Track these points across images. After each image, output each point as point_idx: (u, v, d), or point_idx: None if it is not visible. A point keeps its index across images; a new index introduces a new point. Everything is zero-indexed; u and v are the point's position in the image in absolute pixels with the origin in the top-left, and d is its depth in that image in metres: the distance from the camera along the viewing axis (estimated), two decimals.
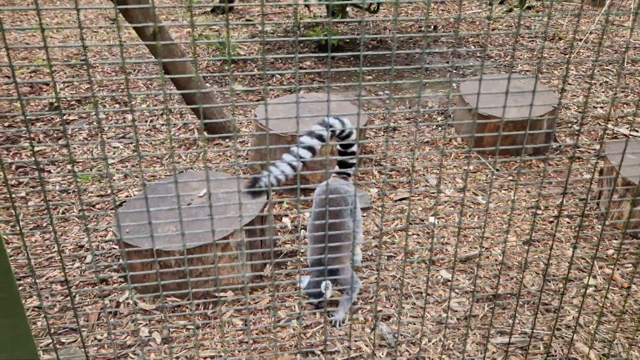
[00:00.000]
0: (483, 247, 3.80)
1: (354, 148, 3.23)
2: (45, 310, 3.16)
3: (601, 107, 5.80)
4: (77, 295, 3.29)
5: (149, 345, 2.97)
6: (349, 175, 3.37)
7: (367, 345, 2.97)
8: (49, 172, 4.58)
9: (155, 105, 5.73)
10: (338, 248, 3.05)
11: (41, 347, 2.90)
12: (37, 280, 3.35)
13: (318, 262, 3.11)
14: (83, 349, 2.86)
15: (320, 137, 2.79)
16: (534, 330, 3.09)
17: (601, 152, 4.36)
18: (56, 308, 3.19)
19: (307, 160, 3.00)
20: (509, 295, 3.36)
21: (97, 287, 3.34)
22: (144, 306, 3.19)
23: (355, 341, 2.98)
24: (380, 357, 2.90)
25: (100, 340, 3.00)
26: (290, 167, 2.64)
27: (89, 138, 5.07)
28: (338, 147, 3.26)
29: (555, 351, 2.94)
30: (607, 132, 5.29)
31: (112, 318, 3.13)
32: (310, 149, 2.78)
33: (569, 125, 5.48)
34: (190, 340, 2.98)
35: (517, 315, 3.20)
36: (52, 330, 3.03)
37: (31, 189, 4.32)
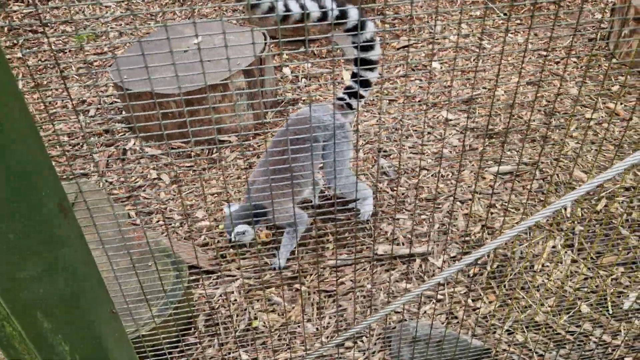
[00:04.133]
0: (485, 88, 3.76)
1: (373, 60, 2.39)
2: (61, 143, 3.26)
3: None
4: (84, 145, 3.38)
5: (158, 186, 3.09)
6: (350, 107, 2.60)
7: (368, 179, 3.07)
8: (43, 33, 4.47)
9: None
10: (283, 186, 2.30)
11: None
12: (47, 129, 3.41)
13: (251, 192, 2.51)
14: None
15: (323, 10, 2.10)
16: (531, 160, 3.15)
17: None
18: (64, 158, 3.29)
19: (312, 12, 2.09)
20: (507, 130, 3.38)
21: (103, 136, 3.41)
22: (151, 151, 3.27)
23: (358, 175, 3.07)
24: (382, 187, 3.00)
25: (111, 183, 3.12)
26: (298, 5, 2.07)
27: None
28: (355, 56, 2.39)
29: (552, 177, 3.02)
30: None
31: (120, 164, 3.24)
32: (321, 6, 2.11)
33: None
34: (197, 179, 3.10)
35: (514, 146, 3.25)
36: (63, 176, 3.15)
37: (27, 49, 4.26)
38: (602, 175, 1.44)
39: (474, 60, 4.03)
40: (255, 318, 2.38)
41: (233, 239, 2.46)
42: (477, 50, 4.11)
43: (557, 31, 4.46)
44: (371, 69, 2.44)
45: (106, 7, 4.75)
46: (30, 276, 0.97)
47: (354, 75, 2.54)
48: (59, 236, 1.00)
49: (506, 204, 2.89)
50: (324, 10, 2.06)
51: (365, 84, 2.51)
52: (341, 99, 2.61)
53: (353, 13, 2.20)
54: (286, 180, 2.06)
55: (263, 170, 2.52)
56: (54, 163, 3.26)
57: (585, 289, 2.41)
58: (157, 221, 2.83)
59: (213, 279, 2.53)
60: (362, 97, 2.63)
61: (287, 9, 2.05)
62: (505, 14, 4.55)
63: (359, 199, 2.78)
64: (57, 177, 1.04)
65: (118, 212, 2.37)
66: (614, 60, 3.93)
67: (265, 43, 3.50)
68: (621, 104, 3.55)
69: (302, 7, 2.10)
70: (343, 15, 2.17)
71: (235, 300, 2.45)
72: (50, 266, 1.00)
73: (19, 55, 4.17)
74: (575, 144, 3.24)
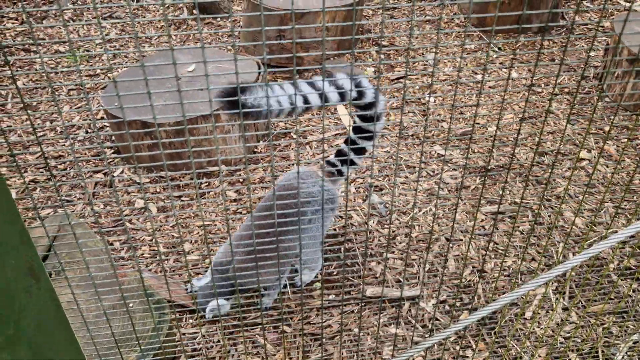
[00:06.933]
0: (478, 124, 3.75)
1: (378, 125, 2.32)
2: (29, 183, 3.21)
3: None
4: (71, 170, 3.32)
5: (144, 215, 3.03)
6: (340, 174, 2.50)
7: (358, 215, 3.03)
8: (35, 52, 4.43)
9: None
10: (265, 259, 2.17)
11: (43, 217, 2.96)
12: (29, 157, 3.36)
13: (223, 266, 2.34)
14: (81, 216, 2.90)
15: (340, 92, 2.01)
16: (524, 200, 3.13)
17: (609, 30, 4.17)
18: (50, 183, 3.22)
19: (300, 106, 1.97)
20: (501, 168, 3.36)
21: (91, 162, 3.36)
22: (138, 179, 3.21)
23: (348, 211, 3.03)
24: (371, 225, 2.96)
25: (96, 213, 3.06)
26: (289, 102, 1.93)
27: (74, 18, 4.86)
28: (356, 119, 2.32)
29: (544, 219, 3.00)
30: (619, 10, 5.03)
31: (107, 191, 3.18)
32: (307, 98, 1.96)
33: (578, 0, 5.20)
34: (185, 209, 3.04)
35: (507, 186, 3.23)
36: (49, 203, 3.09)
37: (18, 69, 4.21)
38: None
39: (467, 95, 4.03)
40: None
41: (207, 317, 2.36)
42: (474, 84, 4.12)
43: (550, 68, 4.49)
44: (369, 138, 2.32)
45: (101, 27, 4.73)
46: None
47: (350, 141, 2.38)
48: (25, 305, 0.94)
49: (497, 245, 2.85)
50: (341, 91, 1.97)
51: (360, 151, 2.40)
52: (331, 164, 2.50)
53: (370, 94, 2.09)
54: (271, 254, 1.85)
55: (239, 247, 2.33)
56: (38, 190, 3.18)
57: (577, 339, 2.36)
58: (142, 254, 2.77)
59: (195, 319, 2.46)
60: (354, 164, 2.47)
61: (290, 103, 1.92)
62: (499, 48, 4.58)
63: (309, 265, 2.63)
64: (29, 240, 0.99)
65: (102, 248, 2.31)
66: (606, 100, 3.94)
67: (259, 72, 3.48)
68: (613, 144, 3.55)
69: (306, 100, 1.96)
70: (360, 95, 2.09)
71: (219, 341, 2.38)
72: (13, 337, 0.94)
73: (9, 73, 4.12)
74: (566, 185, 3.22)
